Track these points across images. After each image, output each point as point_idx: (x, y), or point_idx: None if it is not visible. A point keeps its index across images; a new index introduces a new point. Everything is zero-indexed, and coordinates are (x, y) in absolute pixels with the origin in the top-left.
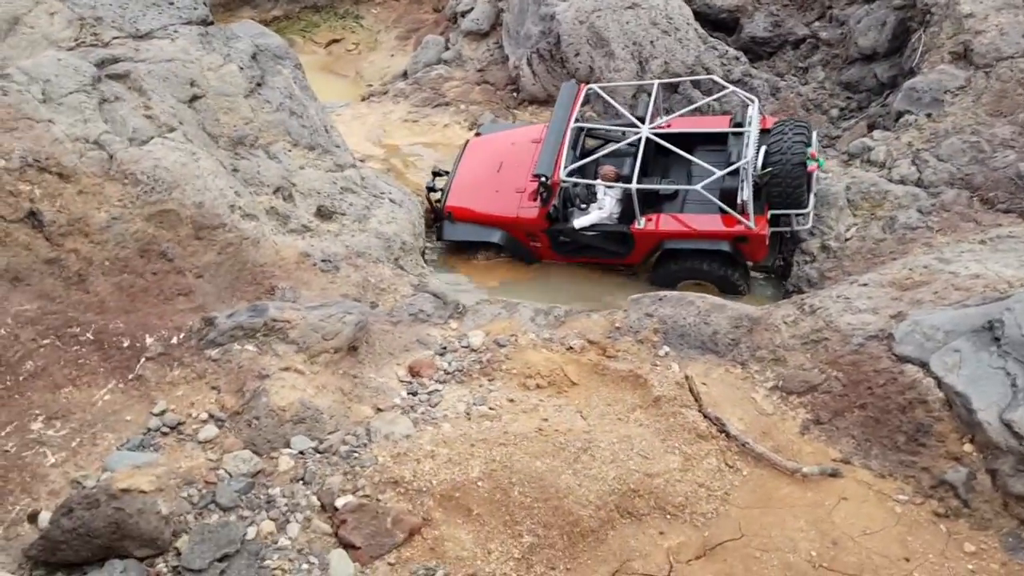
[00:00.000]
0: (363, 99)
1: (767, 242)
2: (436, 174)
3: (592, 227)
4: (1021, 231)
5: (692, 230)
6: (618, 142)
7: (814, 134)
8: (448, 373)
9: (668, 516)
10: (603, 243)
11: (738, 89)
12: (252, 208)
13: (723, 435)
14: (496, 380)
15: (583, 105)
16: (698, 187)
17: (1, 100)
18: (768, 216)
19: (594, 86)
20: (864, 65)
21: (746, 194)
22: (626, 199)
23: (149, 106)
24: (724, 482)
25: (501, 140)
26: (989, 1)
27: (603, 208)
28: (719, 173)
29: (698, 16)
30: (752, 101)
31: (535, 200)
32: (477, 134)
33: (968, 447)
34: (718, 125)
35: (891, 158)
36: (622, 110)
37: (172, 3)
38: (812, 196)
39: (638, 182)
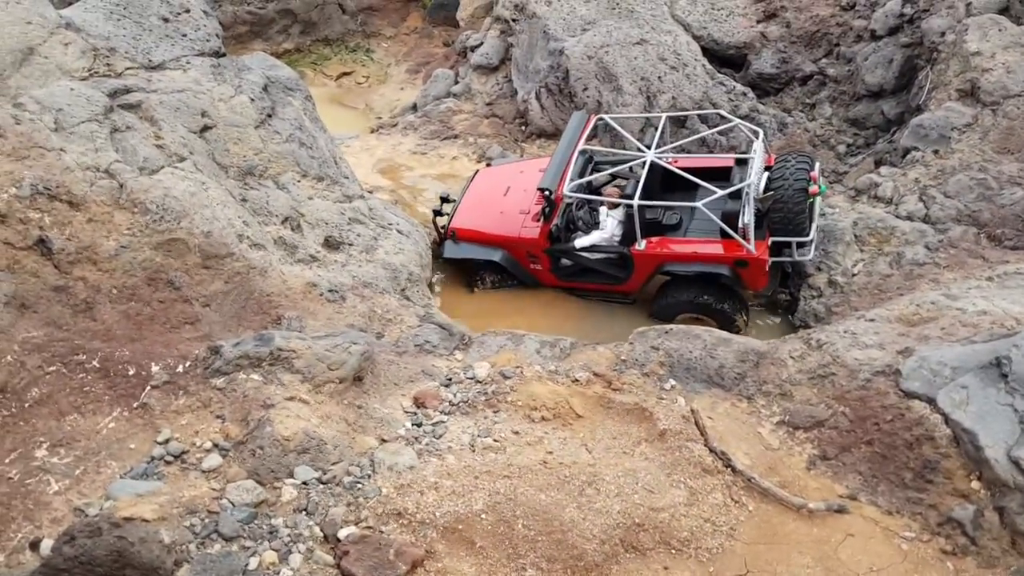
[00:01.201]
0: (372, 131)
1: (767, 269)
2: (444, 200)
3: (593, 248)
4: None
5: (692, 253)
6: (625, 170)
7: (817, 164)
8: (453, 404)
9: (673, 551)
10: (603, 266)
11: (743, 122)
12: (260, 238)
13: (729, 470)
14: (501, 412)
15: (591, 138)
16: (699, 204)
17: (14, 128)
18: (769, 243)
19: (604, 116)
20: (871, 102)
21: (747, 217)
22: (628, 221)
23: (160, 136)
24: (730, 517)
25: (510, 169)
26: (996, 39)
27: (605, 230)
28: (720, 192)
29: (706, 52)
30: (757, 133)
31: (538, 221)
32: (488, 164)
33: (976, 484)
34: (723, 162)
35: (898, 194)
36: (629, 137)
37: (185, 35)
38: (814, 227)
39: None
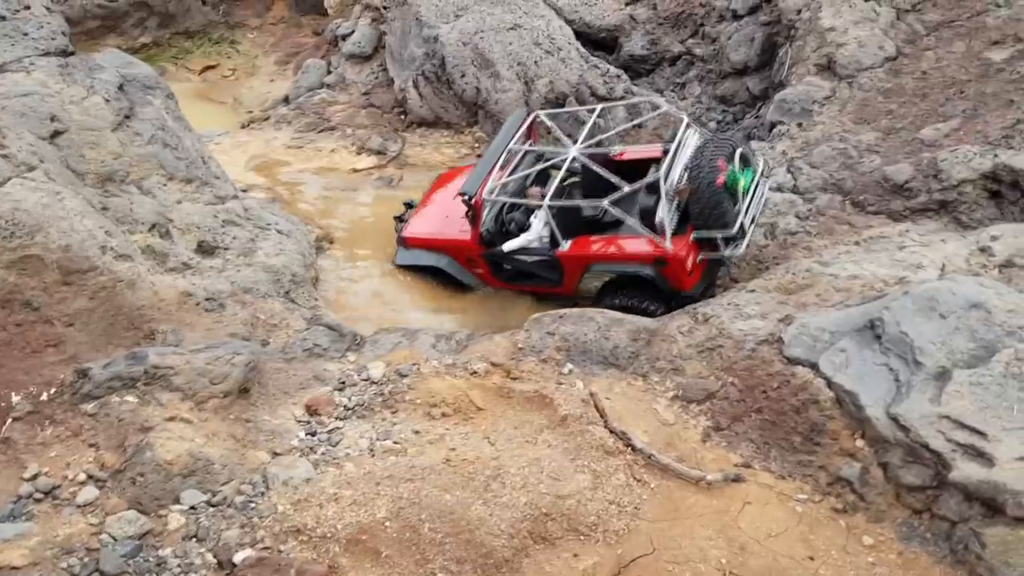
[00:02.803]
0: (243, 127)
1: (688, 266)
2: (408, 205)
3: (523, 251)
4: (890, 231)
5: (613, 252)
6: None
7: (739, 149)
8: (348, 409)
9: (581, 537)
10: (536, 268)
11: (671, 108)
12: (126, 248)
13: (629, 449)
14: (400, 412)
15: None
16: (604, 202)
17: None
18: (691, 238)
19: (540, 113)
20: (737, 79)
21: (661, 213)
22: (550, 225)
23: (4, 144)
24: (633, 497)
25: (466, 172)
26: (848, 15)
27: (532, 232)
28: (629, 188)
29: (579, 36)
30: (683, 119)
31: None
32: (449, 169)
33: (860, 443)
34: (658, 151)
35: (767, 167)
36: (559, 133)
37: (26, 34)
38: (747, 219)
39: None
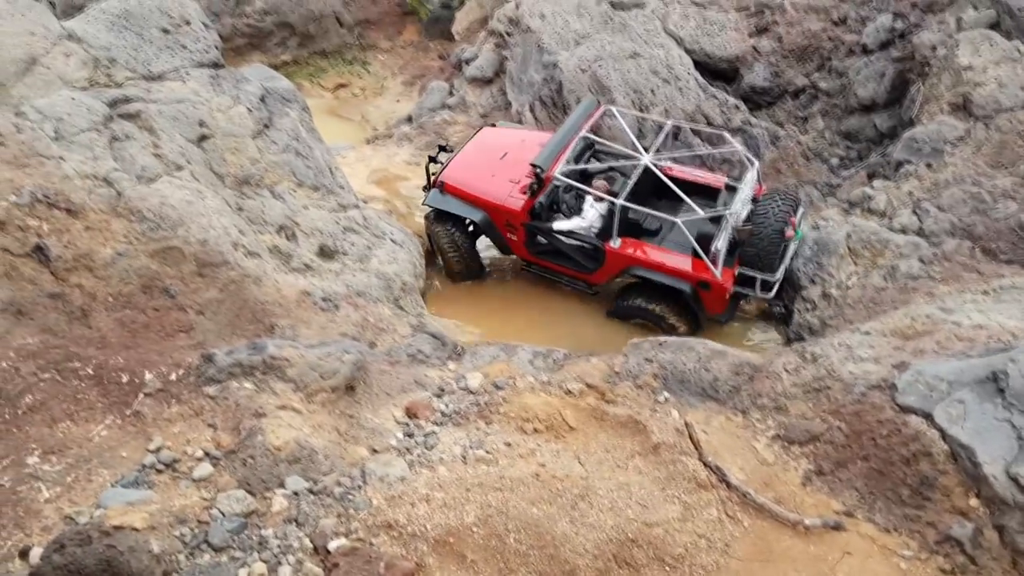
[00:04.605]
0: (368, 142)
1: (727, 297)
2: (442, 148)
3: (569, 233)
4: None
5: (660, 263)
6: (620, 166)
7: (801, 209)
8: (445, 415)
9: (667, 568)
10: (575, 253)
11: (742, 148)
12: (255, 246)
13: (724, 484)
14: (493, 423)
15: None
16: (678, 219)
17: (15, 137)
18: (736, 272)
19: (612, 108)
20: (863, 115)
21: (720, 243)
22: (608, 216)
23: (158, 145)
24: (724, 533)
25: (513, 135)
26: (988, 54)
27: (585, 219)
28: (703, 214)
29: (698, 66)
30: (752, 163)
31: (525, 194)
32: (493, 125)
33: (974, 502)
34: (714, 181)
35: (892, 207)
36: (631, 135)
37: (184, 47)
38: (783, 268)
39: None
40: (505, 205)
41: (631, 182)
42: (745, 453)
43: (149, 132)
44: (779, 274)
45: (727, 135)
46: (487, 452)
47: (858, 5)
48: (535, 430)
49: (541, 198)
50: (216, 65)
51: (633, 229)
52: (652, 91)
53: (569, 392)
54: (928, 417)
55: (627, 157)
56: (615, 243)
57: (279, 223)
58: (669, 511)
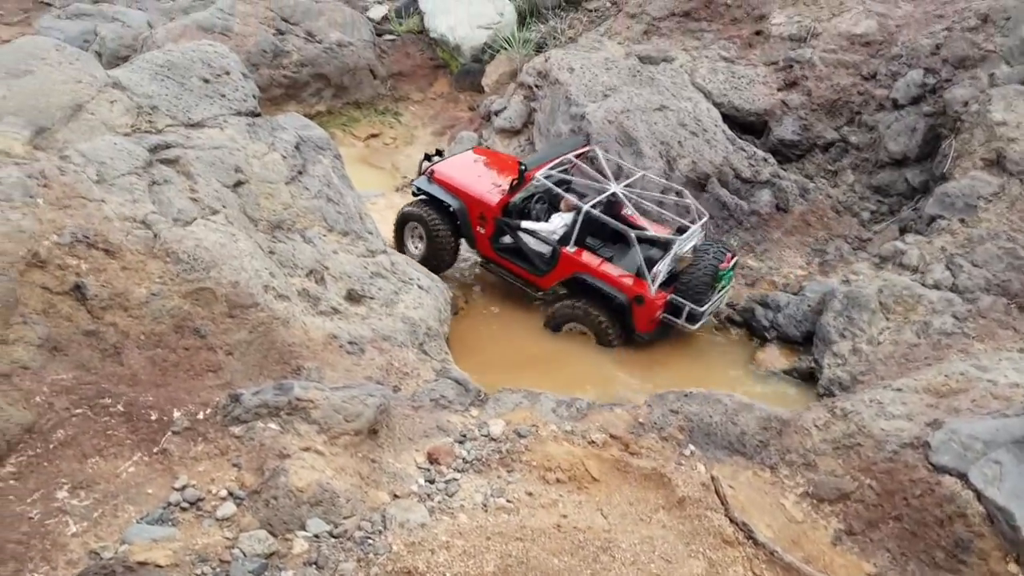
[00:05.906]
0: (397, 189)
1: (656, 317)
2: (438, 152)
3: (533, 233)
4: None
5: (605, 273)
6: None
7: (735, 259)
8: (467, 462)
9: None
10: (532, 254)
11: (695, 203)
12: (285, 289)
13: (751, 542)
14: (515, 472)
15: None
16: (631, 234)
17: (59, 179)
18: (668, 297)
19: (595, 148)
20: (894, 170)
21: (663, 266)
22: (571, 227)
23: (195, 189)
24: None
25: (502, 155)
26: (1021, 110)
27: (551, 224)
28: (656, 235)
29: (727, 119)
30: (703, 215)
31: (503, 193)
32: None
33: (1013, 567)
34: (667, 232)
35: (924, 262)
36: (606, 169)
37: (224, 95)
38: (709, 306)
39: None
40: (482, 199)
41: (599, 197)
42: (773, 510)
43: (187, 177)
44: (705, 308)
45: (686, 192)
46: (508, 501)
47: (888, 60)
48: (557, 480)
49: (516, 199)
50: (253, 114)
51: (589, 249)
52: (680, 143)
53: (592, 442)
54: (963, 477)
55: (600, 183)
56: (570, 248)
57: (309, 267)
58: (694, 567)
